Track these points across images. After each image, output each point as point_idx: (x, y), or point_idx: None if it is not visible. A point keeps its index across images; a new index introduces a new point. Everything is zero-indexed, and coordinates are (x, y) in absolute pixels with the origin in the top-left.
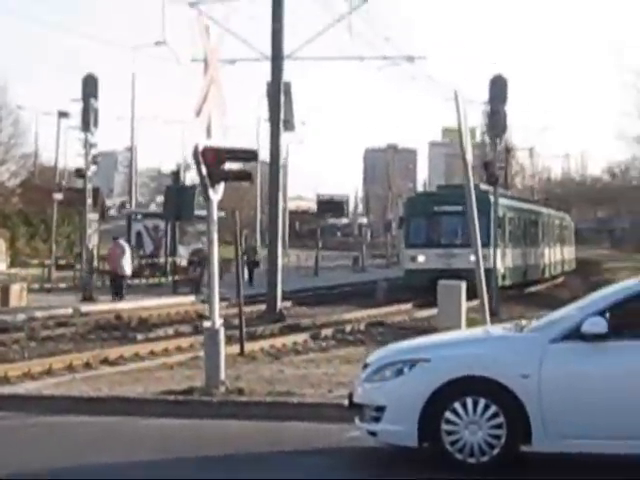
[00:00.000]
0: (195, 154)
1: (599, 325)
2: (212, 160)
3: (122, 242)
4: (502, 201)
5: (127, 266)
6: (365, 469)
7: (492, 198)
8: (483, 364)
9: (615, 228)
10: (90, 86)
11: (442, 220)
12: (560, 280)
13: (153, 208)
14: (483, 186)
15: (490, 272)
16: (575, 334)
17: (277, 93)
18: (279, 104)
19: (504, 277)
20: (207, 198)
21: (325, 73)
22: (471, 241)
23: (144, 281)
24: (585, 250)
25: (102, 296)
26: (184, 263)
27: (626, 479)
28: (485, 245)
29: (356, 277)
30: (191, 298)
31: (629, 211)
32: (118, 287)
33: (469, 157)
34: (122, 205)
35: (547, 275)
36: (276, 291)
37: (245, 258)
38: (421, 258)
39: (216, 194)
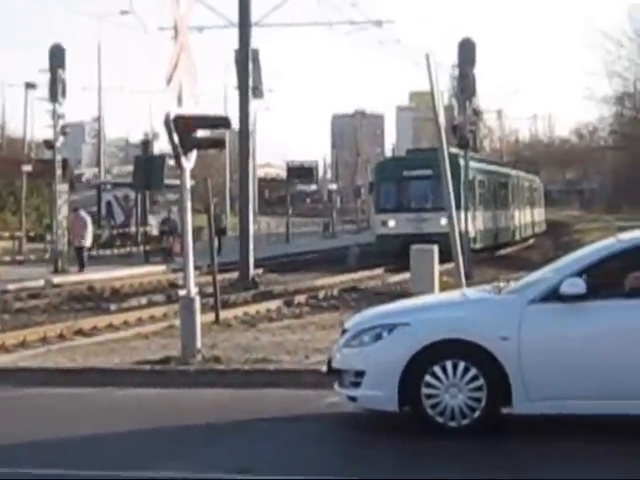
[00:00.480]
0: (167, 122)
1: (577, 286)
2: (184, 128)
3: (83, 213)
4: (472, 164)
5: (88, 238)
6: (345, 435)
7: (462, 161)
8: (462, 327)
9: (584, 189)
10: (57, 57)
11: (412, 184)
12: (531, 242)
13: (108, 178)
14: (453, 149)
15: (461, 236)
16: (553, 295)
17: (245, 60)
18: (247, 71)
19: (475, 240)
20: (180, 166)
21: (293, 39)
22: (445, 205)
23: (115, 251)
24: (555, 212)
25: (73, 267)
26: (155, 232)
27: (606, 439)
28: (456, 208)
29: (327, 243)
30: (163, 267)
31: (597, 172)
32: (79, 259)
33: (442, 120)
34: (78, 177)
35: (518, 238)
36: (248, 258)
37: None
38: (392, 223)
39: (189, 162)
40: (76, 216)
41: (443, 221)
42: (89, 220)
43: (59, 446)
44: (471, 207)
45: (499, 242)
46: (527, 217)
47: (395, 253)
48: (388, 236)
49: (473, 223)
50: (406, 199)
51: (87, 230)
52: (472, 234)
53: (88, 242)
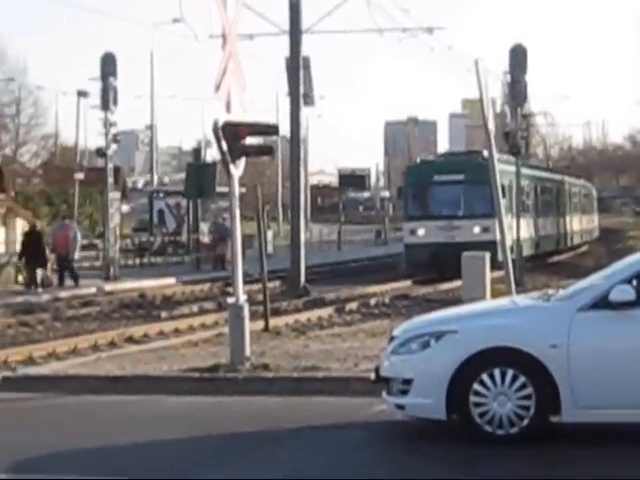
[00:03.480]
0: (215, 129)
1: (627, 293)
2: (232, 135)
3: (70, 223)
4: (510, 169)
5: (76, 249)
6: (393, 443)
7: (498, 165)
8: (511, 334)
9: (638, 195)
10: (109, 64)
11: (443, 190)
12: (584, 249)
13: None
14: (486, 153)
15: (493, 245)
16: (603, 302)
17: (296, 68)
18: (298, 79)
19: (511, 249)
20: (228, 174)
21: (344, 46)
22: (477, 212)
23: (168, 259)
24: (608, 218)
25: (126, 275)
26: (207, 240)
27: None
28: (488, 216)
29: (379, 250)
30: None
31: None
32: (70, 271)
33: (491, 127)
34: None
35: (563, 246)
36: (299, 266)
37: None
38: (421, 231)
39: (237, 169)
40: (64, 226)
41: (476, 229)
42: (78, 231)
43: (107, 453)
44: (507, 215)
45: (541, 251)
46: (576, 224)
47: (424, 264)
48: (417, 245)
49: (509, 231)
50: (437, 206)
51: (76, 241)
52: (508, 242)
53: (76, 254)
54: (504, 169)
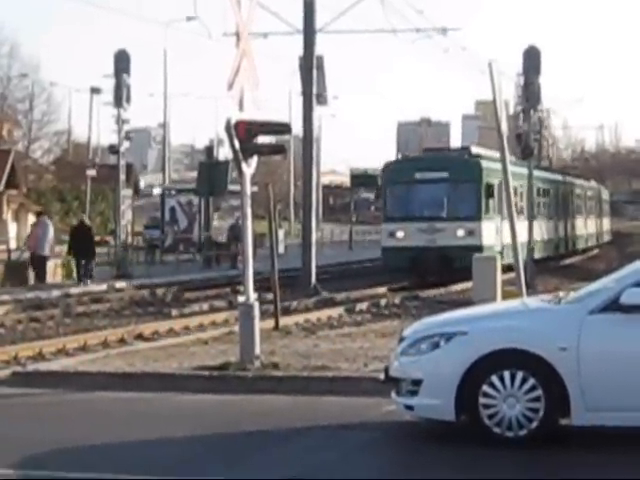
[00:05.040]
0: (228, 127)
1: (638, 296)
2: (245, 133)
3: (46, 220)
4: (520, 171)
5: (47, 246)
6: (402, 443)
7: (484, 164)
8: (521, 336)
9: None
10: (122, 62)
11: (425, 189)
12: (595, 252)
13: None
14: (474, 149)
15: (478, 250)
16: (614, 305)
17: (309, 67)
18: (312, 78)
19: (502, 254)
20: (240, 172)
21: (358, 46)
22: (461, 214)
23: (179, 257)
24: (621, 222)
25: (137, 273)
26: (220, 238)
27: None
28: (473, 219)
29: None
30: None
31: None
32: (40, 269)
33: (504, 129)
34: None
35: (564, 250)
36: (310, 265)
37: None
38: (400, 234)
39: (249, 168)
40: (38, 222)
41: (460, 232)
42: (51, 227)
43: (114, 450)
44: (496, 217)
45: (536, 256)
46: (581, 227)
47: (403, 269)
48: (395, 249)
49: (498, 235)
50: (417, 206)
51: (47, 238)
52: (498, 248)
53: (47, 251)
54: (494, 167)
